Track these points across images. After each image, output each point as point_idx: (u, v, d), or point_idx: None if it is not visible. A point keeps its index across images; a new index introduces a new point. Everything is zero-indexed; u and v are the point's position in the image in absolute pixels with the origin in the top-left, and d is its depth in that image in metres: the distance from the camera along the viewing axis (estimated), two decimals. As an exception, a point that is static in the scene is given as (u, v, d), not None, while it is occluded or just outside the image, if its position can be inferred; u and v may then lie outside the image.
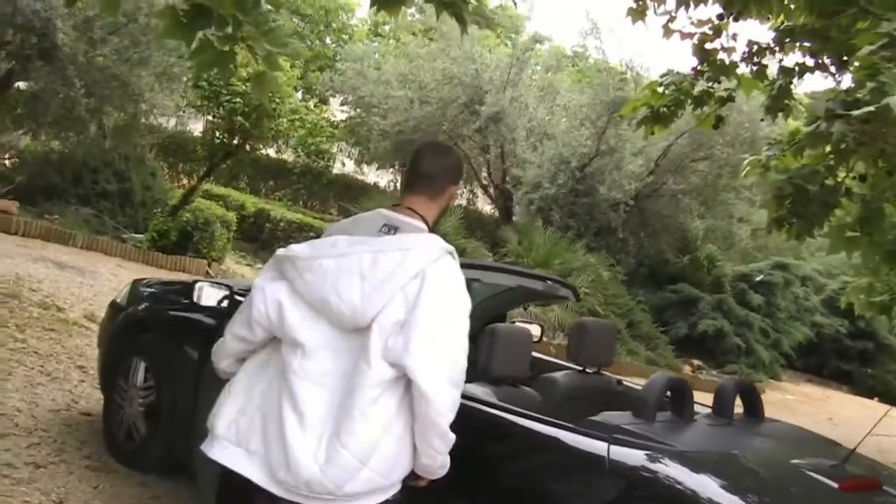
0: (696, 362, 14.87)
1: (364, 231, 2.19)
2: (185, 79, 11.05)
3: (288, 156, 18.74)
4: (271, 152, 17.77)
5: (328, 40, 21.42)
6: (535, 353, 3.89)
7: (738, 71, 5.07)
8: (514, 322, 4.64)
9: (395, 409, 2.07)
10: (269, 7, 2.79)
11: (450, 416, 2.08)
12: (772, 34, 5.22)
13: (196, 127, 17.56)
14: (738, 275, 16.79)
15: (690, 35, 5.09)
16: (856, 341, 18.32)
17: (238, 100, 11.27)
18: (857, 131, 3.48)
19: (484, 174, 16.84)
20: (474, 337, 2.78)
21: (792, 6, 5.05)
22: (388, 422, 2.05)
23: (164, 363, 3.96)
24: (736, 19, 4.93)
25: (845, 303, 8.26)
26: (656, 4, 5.13)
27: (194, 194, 12.46)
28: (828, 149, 5.08)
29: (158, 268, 10.43)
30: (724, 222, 16.21)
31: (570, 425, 2.84)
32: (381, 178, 19.62)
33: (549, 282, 4.08)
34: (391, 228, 2.18)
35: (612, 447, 2.67)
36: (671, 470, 2.63)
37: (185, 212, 11.35)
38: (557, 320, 11.88)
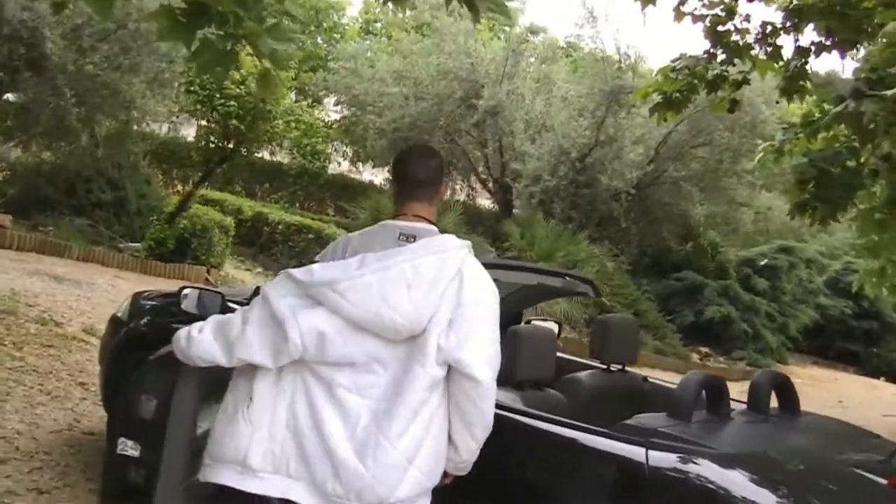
0: (703, 350, 14.74)
1: (381, 245, 2.19)
2: (176, 84, 10.87)
3: (283, 157, 18.57)
4: (266, 155, 17.58)
5: (319, 40, 21.20)
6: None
7: (752, 53, 4.91)
8: (529, 321, 4.48)
9: (436, 410, 2.13)
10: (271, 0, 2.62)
11: (494, 404, 2.18)
12: (780, 14, 5.07)
13: (189, 132, 17.38)
14: (741, 260, 16.65)
15: (702, 17, 4.93)
16: (861, 321, 18.25)
17: (232, 103, 11.08)
18: (888, 110, 3.32)
19: (482, 169, 16.68)
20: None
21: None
22: (429, 423, 2.12)
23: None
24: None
25: (857, 286, 8.13)
26: (666, -12, 4.97)
27: (191, 200, 12.29)
28: (842, 129, 4.94)
29: (157, 276, 10.27)
30: (727, 208, 16.04)
31: (604, 430, 2.68)
32: (377, 176, 19.45)
33: (568, 278, 3.93)
34: (409, 237, 2.21)
35: (651, 452, 2.52)
36: (717, 475, 2.47)
37: (182, 218, 11.18)
38: (563, 314, 11.72)
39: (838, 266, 18.81)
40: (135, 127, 11.51)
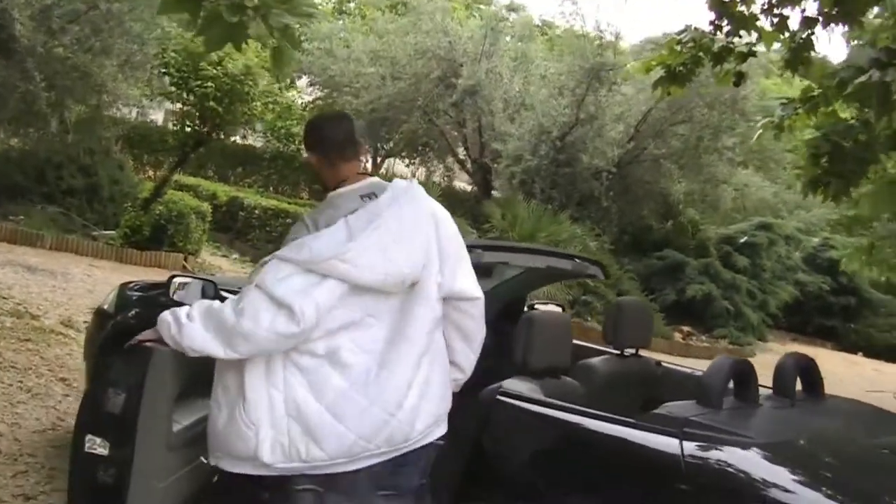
0: (686, 328, 14.70)
1: (349, 212, 2.22)
2: (149, 66, 10.52)
3: (256, 140, 18.19)
4: (237, 139, 17.22)
5: (291, 20, 20.77)
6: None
7: (758, 23, 4.77)
8: (532, 305, 4.33)
9: (439, 344, 2.30)
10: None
11: None
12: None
13: (158, 116, 16.96)
14: (721, 237, 16.59)
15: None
16: (838, 297, 18.36)
17: (210, 84, 10.73)
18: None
19: (461, 149, 16.48)
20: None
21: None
22: (435, 356, 2.27)
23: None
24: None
25: (845, 265, 8.10)
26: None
27: (166, 186, 11.98)
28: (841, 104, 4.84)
29: (133, 265, 10.01)
30: (706, 185, 15.97)
31: (632, 420, 2.55)
32: (353, 159, 19.16)
33: (578, 260, 3.78)
34: (370, 196, 2.27)
35: (686, 443, 2.39)
36: (755, 467, 2.36)
37: (157, 205, 10.89)
38: (546, 294, 11.61)
39: (816, 242, 18.89)
40: (106, 111, 11.12)
